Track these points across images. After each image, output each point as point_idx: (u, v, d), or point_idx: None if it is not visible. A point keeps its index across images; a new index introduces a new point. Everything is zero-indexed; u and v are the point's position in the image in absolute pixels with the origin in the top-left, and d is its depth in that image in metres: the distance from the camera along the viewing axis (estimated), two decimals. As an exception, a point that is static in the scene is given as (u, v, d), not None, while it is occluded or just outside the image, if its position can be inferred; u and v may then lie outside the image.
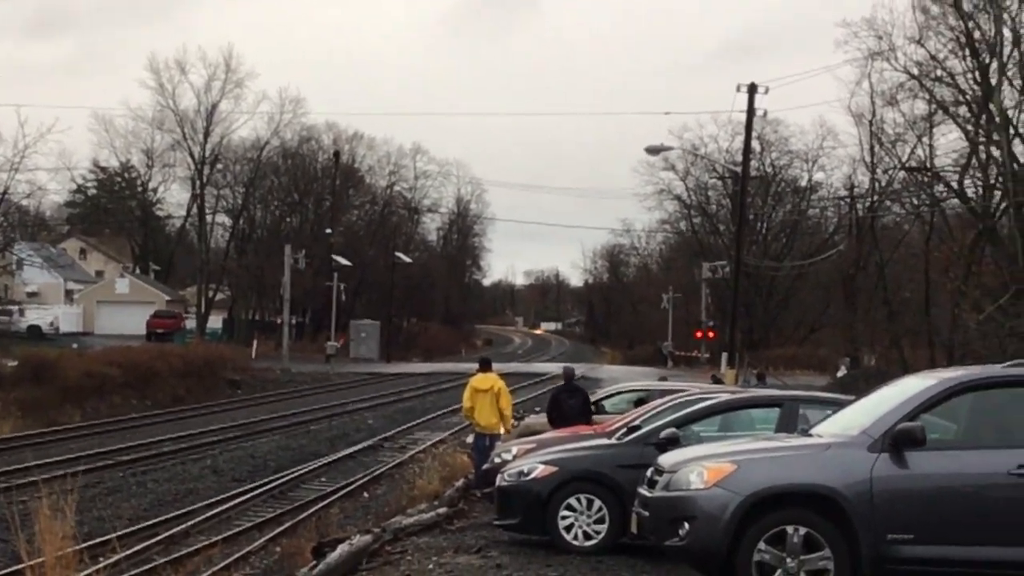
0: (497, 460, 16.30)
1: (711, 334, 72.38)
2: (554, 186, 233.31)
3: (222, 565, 17.65)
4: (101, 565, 15.29)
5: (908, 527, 9.32)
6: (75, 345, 61.17)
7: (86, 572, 12.55)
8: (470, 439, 21.62)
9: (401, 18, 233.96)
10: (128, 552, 17.42)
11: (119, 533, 17.48)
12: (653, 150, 46.63)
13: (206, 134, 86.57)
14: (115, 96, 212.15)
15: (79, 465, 21.13)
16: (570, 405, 19.30)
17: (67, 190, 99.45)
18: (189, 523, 20.90)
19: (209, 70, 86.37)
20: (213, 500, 23.42)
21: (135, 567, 17.06)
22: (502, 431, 20.90)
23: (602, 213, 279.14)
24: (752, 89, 43.80)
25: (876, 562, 9.32)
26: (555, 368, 69.69)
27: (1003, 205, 43.98)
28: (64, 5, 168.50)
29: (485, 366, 21.37)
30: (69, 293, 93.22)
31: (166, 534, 19.93)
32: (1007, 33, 42.34)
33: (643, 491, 10.49)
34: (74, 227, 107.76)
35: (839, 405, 12.07)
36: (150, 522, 20.96)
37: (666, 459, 10.51)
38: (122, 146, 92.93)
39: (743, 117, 45.32)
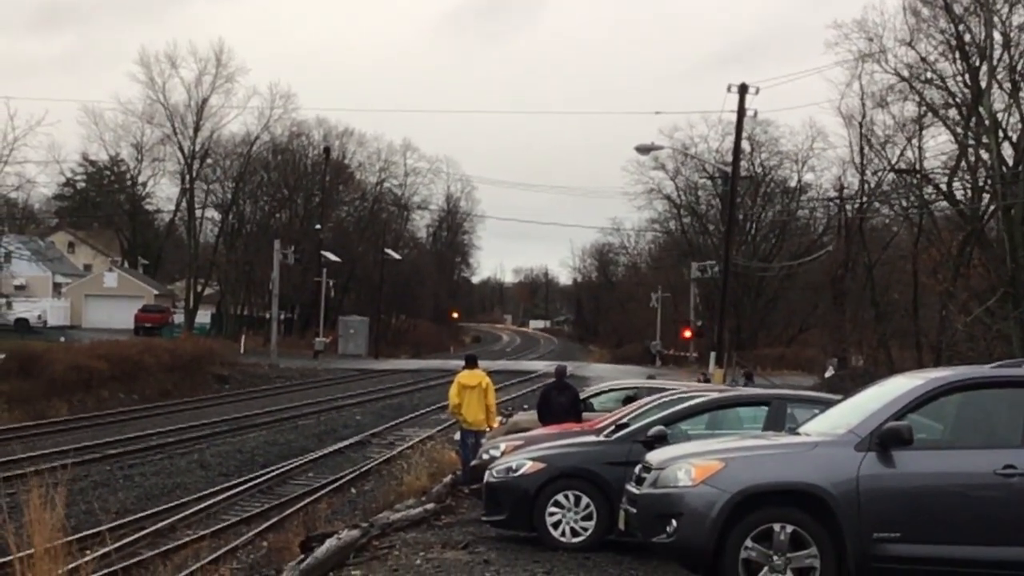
0: (485, 456, 16.33)
1: (698, 333, 72.50)
2: (544, 184, 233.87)
3: (210, 559, 17.64)
4: (90, 557, 15.33)
5: (894, 526, 9.37)
6: (63, 338, 61.06)
7: (75, 564, 12.55)
8: (458, 435, 21.63)
9: (393, 16, 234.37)
10: (116, 545, 17.41)
11: (108, 526, 17.48)
12: (643, 149, 46.67)
13: (196, 128, 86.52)
14: (106, 90, 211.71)
15: (67, 458, 21.07)
16: (559, 402, 19.33)
17: (56, 183, 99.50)
18: (177, 517, 20.91)
19: (200, 65, 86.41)
20: (201, 494, 23.42)
21: (123, 560, 17.04)
22: (488, 427, 20.97)
23: (592, 212, 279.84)
24: (743, 89, 43.89)
25: (862, 560, 9.37)
26: (543, 366, 69.84)
27: (991, 208, 44.17)
28: (66, 1, 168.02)
29: (471, 363, 21.41)
30: (57, 286, 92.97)
31: (154, 528, 19.93)
32: (997, 36, 42.53)
33: (631, 488, 10.53)
34: (63, 220, 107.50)
35: (827, 404, 12.13)
36: (138, 515, 20.96)
37: (654, 456, 10.55)
38: (112, 140, 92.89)
39: (733, 117, 45.49)
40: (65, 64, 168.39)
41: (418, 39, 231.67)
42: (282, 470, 27.04)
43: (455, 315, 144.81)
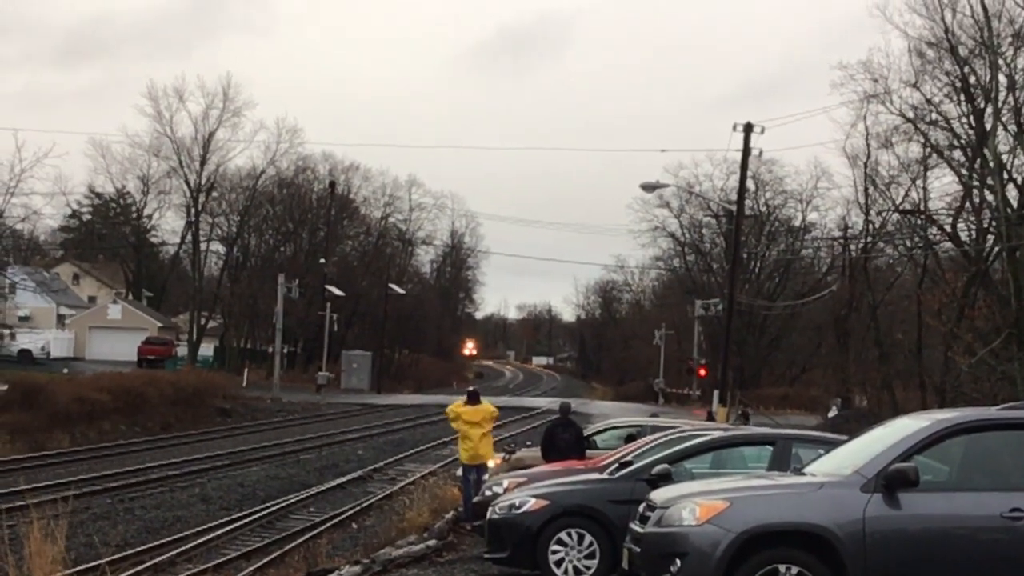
0: (488, 493, 16.27)
1: (702, 371, 72.41)
2: (548, 221, 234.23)
3: (209, 594, 17.55)
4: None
5: (900, 568, 9.32)
6: (66, 370, 60.99)
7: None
8: (460, 472, 21.56)
9: (401, 53, 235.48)
10: (116, 578, 17.30)
11: (108, 559, 17.39)
12: (649, 187, 46.79)
13: (202, 162, 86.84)
14: (116, 123, 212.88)
15: (68, 490, 21.00)
16: (563, 439, 19.28)
17: (62, 215, 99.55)
18: (177, 550, 20.78)
19: (207, 99, 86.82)
20: (201, 528, 23.29)
21: (122, 594, 16.96)
22: (491, 463, 20.93)
23: (596, 249, 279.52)
24: (748, 128, 44.03)
25: (867, 602, 9.31)
26: (546, 403, 69.67)
27: (996, 249, 44.17)
28: (92, 35, 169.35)
29: (474, 399, 21.38)
30: (61, 318, 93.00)
31: (154, 561, 19.81)
32: (1002, 79, 42.69)
33: (635, 527, 10.48)
34: (68, 252, 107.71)
35: (832, 444, 12.09)
36: (138, 549, 20.83)
37: (658, 495, 10.51)
38: (118, 172, 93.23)
39: (738, 156, 45.58)
40: (88, 98, 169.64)
41: (425, 78, 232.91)
42: (283, 504, 26.91)
43: (471, 349, 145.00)
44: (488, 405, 21.54)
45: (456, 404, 21.56)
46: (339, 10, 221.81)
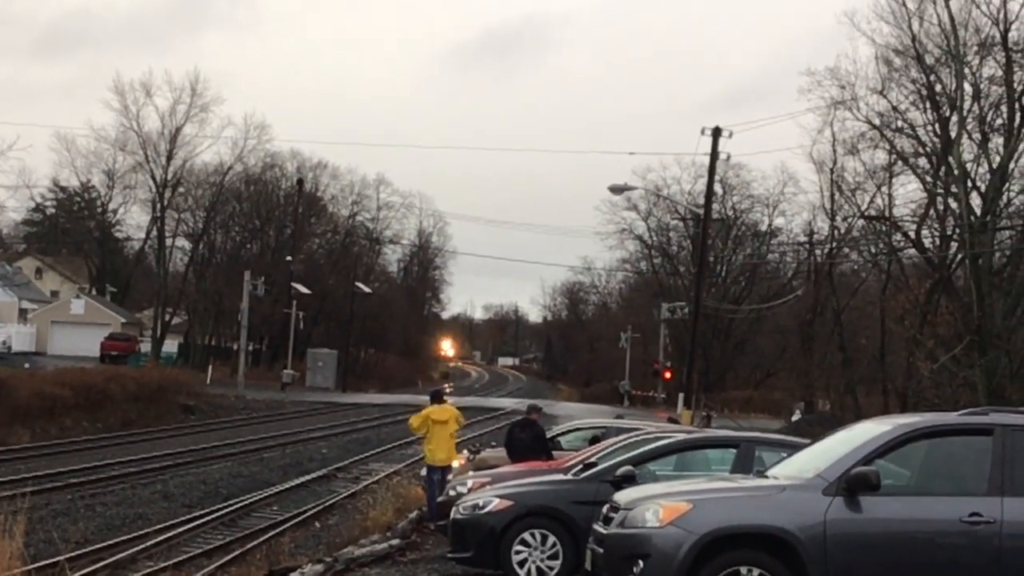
0: (452, 493, 16.25)
1: (668, 374, 72.72)
2: (516, 222, 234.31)
3: (170, 591, 17.44)
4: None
5: (860, 571, 9.38)
6: (27, 365, 60.39)
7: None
8: (424, 471, 21.51)
9: (371, 52, 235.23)
10: (76, 575, 17.15)
11: (67, 556, 17.24)
12: (616, 189, 46.93)
13: (169, 157, 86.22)
14: (79, 117, 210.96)
15: (27, 486, 20.79)
16: (520, 439, 19.27)
17: (25, 208, 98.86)
18: (138, 548, 20.61)
19: (175, 94, 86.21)
20: (163, 525, 23.12)
21: (81, 591, 16.82)
22: (456, 463, 20.91)
23: (563, 250, 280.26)
24: (716, 133, 44.24)
25: (828, 605, 9.36)
26: (511, 403, 69.65)
27: (959, 257, 44.58)
28: (75, 28, 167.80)
29: (438, 398, 21.38)
30: (23, 312, 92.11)
31: (114, 558, 19.64)
32: (967, 87, 43.08)
33: (598, 528, 10.50)
34: (31, 246, 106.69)
35: (795, 448, 12.16)
36: (98, 546, 20.65)
37: (622, 496, 10.53)
38: (83, 166, 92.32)
39: (706, 160, 45.84)
40: (65, 91, 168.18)
41: (396, 77, 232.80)
42: (246, 502, 26.76)
43: (448, 350, 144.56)
44: (452, 408, 21.54)
45: (415, 417, 21.43)
46: (326, 9, 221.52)
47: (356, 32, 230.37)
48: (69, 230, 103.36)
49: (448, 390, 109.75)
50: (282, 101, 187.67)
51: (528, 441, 19.20)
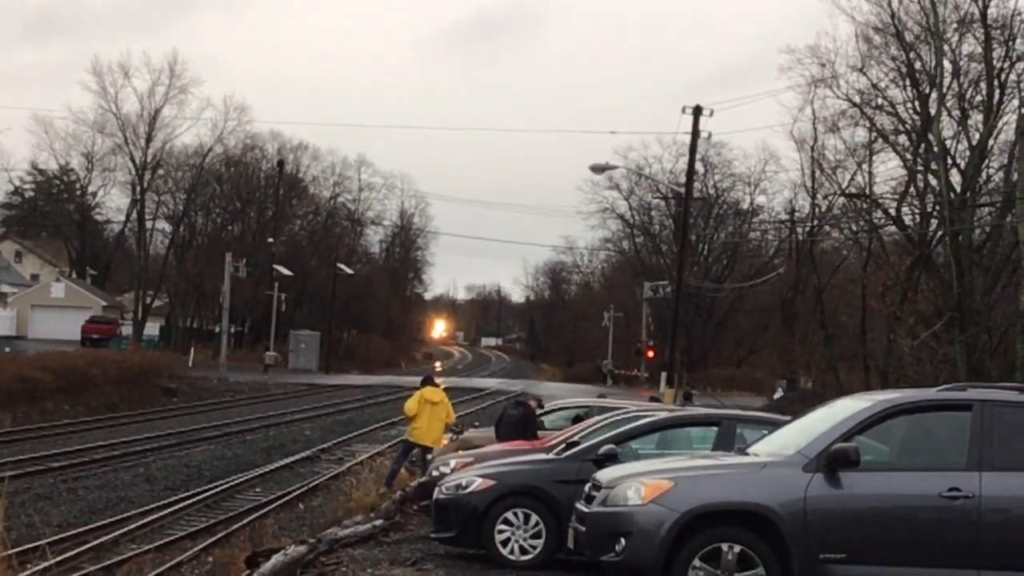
0: (435, 473, 16.27)
1: (650, 353, 72.87)
2: (498, 202, 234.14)
3: (154, 574, 17.43)
4: (30, 572, 15.08)
5: (840, 546, 9.44)
6: (7, 349, 60.12)
7: (14, 578, 12.34)
8: (428, 456, 21.60)
9: (351, 35, 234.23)
10: (58, 559, 17.13)
11: (49, 540, 17.20)
12: (598, 168, 46.85)
13: (148, 139, 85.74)
14: (61, 100, 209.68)
15: (7, 471, 20.74)
16: (511, 415, 19.38)
17: (4, 191, 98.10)
18: (120, 531, 20.61)
19: (153, 75, 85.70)
20: (146, 508, 23.12)
21: (65, 574, 16.78)
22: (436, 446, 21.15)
23: (545, 230, 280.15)
24: (697, 111, 44.19)
25: (808, 580, 9.43)
26: (495, 383, 69.76)
27: (939, 233, 44.76)
28: (66, 12, 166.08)
29: (430, 381, 21.60)
30: (3, 296, 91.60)
31: (96, 542, 19.64)
32: (947, 64, 43.18)
33: (580, 506, 10.53)
34: (10, 229, 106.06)
35: (775, 425, 12.21)
36: (80, 529, 20.65)
37: (604, 475, 10.56)
38: (62, 149, 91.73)
39: (687, 139, 45.75)
40: (56, 75, 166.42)
41: (377, 60, 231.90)
42: (229, 485, 26.77)
43: (443, 332, 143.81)
44: (444, 394, 21.86)
45: (411, 400, 21.63)
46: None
47: (338, 16, 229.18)
48: (48, 213, 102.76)
49: (439, 368, 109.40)
50: (262, 83, 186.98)
51: (518, 418, 19.29)
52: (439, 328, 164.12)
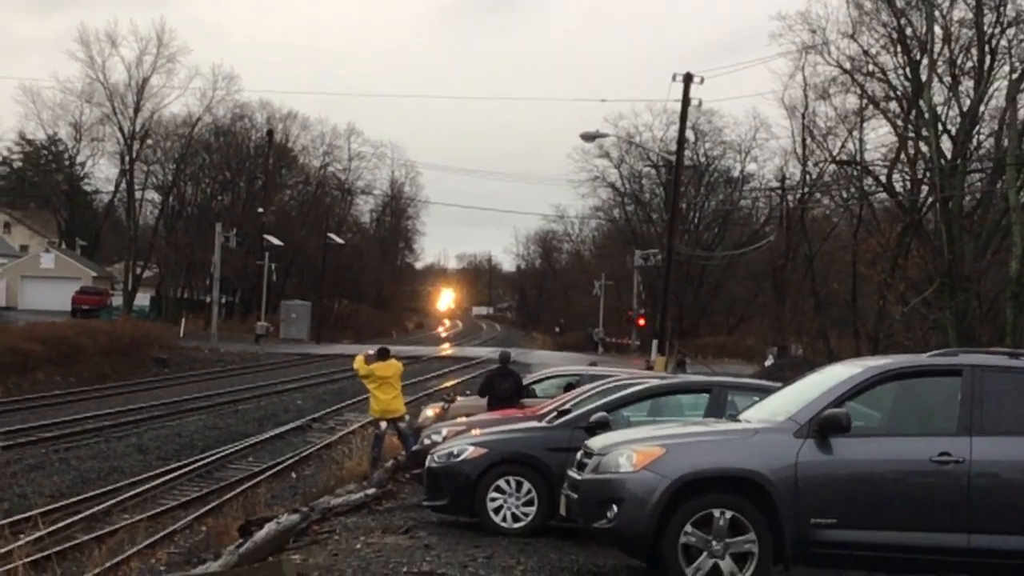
0: (427, 441, 16.29)
1: (641, 321, 72.98)
2: (489, 171, 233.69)
3: (146, 543, 17.46)
4: (23, 541, 15.10)
5: (831, 512, 9.47)
6: (-2, 320, 60.00)
7: (7, 548, 12.35)
8: (384, 425, 21.63)
9: (341, 3, 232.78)
10: (50, 529, 17.17)
11: (41, 510, 17.23)
12: (588, 137, 46.76)
13: (136, 109, 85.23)
14: (45, 69, 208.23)
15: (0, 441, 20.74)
16: (503, 388, 19.39)
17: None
18: (113, 501, 20.65)
19: (140, 44, 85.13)
20: (138, 478, 23.15)
21: (57, 544, 16.82)
22: (430, 412, 21.18)
23: (536, 199, 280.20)
24: (688, 78, 44.06)
25: (800, 545, 9.46)
26: (486, 352, 69.75)
27: (930, 200, 44.81)
28: None
29: (384, 355, 21.57)
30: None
31: (89, 512, 19.66)
32: (938, 31, 43.11)
33: (572, 473, 10.54)
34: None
35: (767, 392, 12.23)
36: (73, 499, 20.67)
37: (596, 442, 10.56)
38: (49, 119, 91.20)
39: (678, 107, 45.65)
40: (51, 46, 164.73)
41: (366, 24, 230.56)
42: (221, 454, 26.81)
43: (451, 303, 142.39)
44: (396, 362, 21.79)
45: (361, 359, 21.59)
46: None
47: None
48: (37, 184, 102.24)
49: (446, 333, 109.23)
50: (251, 52, 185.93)
51: (510, 391, 19.37)
52: (447, 299, 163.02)
